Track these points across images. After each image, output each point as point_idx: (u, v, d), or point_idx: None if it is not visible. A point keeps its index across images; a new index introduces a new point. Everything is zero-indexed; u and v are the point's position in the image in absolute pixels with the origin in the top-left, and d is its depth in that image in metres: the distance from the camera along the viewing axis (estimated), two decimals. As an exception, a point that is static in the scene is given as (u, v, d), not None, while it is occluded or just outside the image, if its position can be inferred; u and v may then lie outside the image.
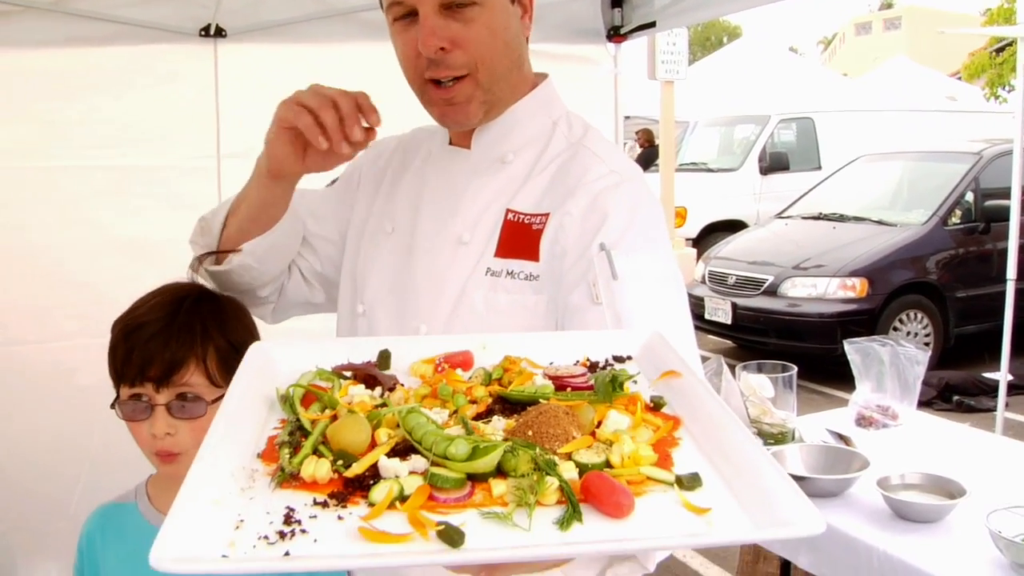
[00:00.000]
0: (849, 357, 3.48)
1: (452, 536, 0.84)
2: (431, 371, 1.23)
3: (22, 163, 3.72)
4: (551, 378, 1.18)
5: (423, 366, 1.24)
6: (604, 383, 1.12)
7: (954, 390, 7.57)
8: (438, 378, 1.19)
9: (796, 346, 8.05)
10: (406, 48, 1.58)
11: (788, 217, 10.34)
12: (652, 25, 4.28)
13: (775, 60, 19.84)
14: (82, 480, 3.89)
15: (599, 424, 1.04)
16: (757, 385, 3.24)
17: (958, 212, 8.90)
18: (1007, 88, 21.18)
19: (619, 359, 1.26)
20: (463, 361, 1.26)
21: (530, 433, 1.00)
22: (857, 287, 8.23)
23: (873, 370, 3.44)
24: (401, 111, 4.21)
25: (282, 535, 0.86)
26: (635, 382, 1.19)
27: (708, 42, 53.20)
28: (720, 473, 0.97)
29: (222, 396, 1.66)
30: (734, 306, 8.85)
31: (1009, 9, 21.46)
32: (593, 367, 1.23)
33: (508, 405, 1.12)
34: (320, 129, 1.47)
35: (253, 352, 1.22)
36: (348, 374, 1.21)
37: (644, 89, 13.17)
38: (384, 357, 1.26)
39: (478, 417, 1.09)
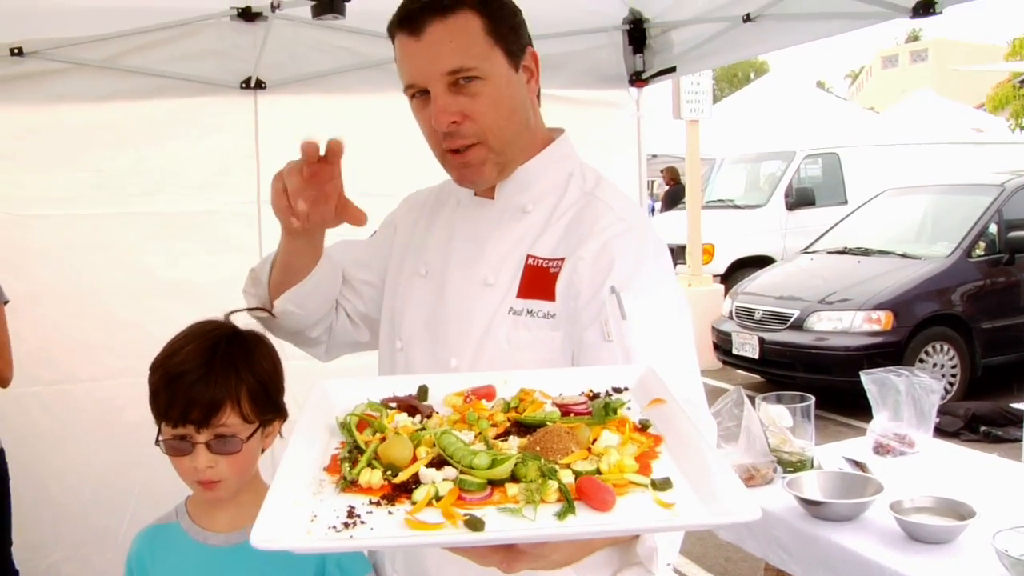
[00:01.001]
0: (866, 387, 3.59)
1: (475, 524, 1.06)
2: (461, 402, 1.44)
3: (75, 210, 3.93)
4: (558, 406, 1.39)
5: (454, 398, 1.45)
6: (599, 408, 1.35)
7: (981, 421, 7.59)
8: (467, 407, 1.41)
9: (823, 379, 8.12)
10: (425, 123, 1.76)
11: (814, 252, 10.43)
12: (672, 70, 4.45)
13: (801, 96, 19.96)
14: (129, 512, 4.05)
15: (594, 441, 1.26)
16: (776, 415, 3.36)
17: (982, 244, 8.95)
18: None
19: (617, 390, 1.46)
20: (487, 393, 1.46)
21: (538, 448, 1.21)
22: (882, 320, 8.30)
23: (890, 399, 3.55)
24: (430, 158, 4.41)
25: (346, 525, 1.09)
26: (629, 408, 1.39)
27: (735, 78, 53.37)
28: (687, 476, 1.18)
29: (255, 432, 1.87)
30: (761, 341, 8.94)
31: (1031, 42, 21.57)
32: (594, 397, 1.43)
33: (522, 427, 1.33)
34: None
35: (315, 390, 1.45)
36: (393, 405, 1.43)
37: (670, 127, 13.34)
38: (423, 390, 1.48)
39: (498, 437, 1.31)
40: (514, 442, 1.27)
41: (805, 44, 3.87)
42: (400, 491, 1.15)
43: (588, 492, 1.11)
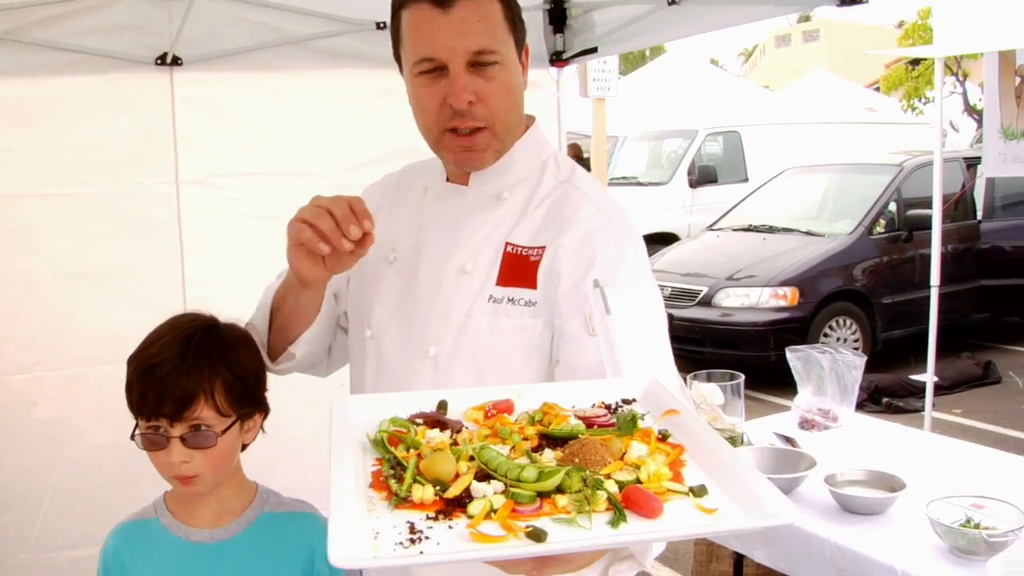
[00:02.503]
0: (791, 364, 3.69)
1: (538, 534, 1.10)
2: (482, 416, 1.47)
3: (-22, 192, 3.74)
4: (581, 418, 1.43)
5: (475, 412, 1.48)
6: (626, 421, 1.40)
7: (883, 392, 7.86)
8: (491, 422, 1.44)
9: (731, 354, 8.28)
10: (431, 99, 1.71)
11: (719, 229, 10.62)
12: (594, 51, 4.45)
13: (701, 74, 20.26)
14: (42, 513, 3.90)
15: (624, 452, 1.31)
16: (708, 393, 3.41)
17: (882, 222, 9.25)
18: (923, 100, 22.04)
19: (627, 401, 1.52)
20: (507, 407, 1.49)
21: (576, 460, 1.26)
22: (788, 296, 8.50)
23: (813, 375, 3.65)
24: (357, 135, 4.27)
25: (412, 541, 1.11)
26: (643, 419, 1.43)
27: (631, 55, 53.69)
28: (717, 483, 1.24)
29: (231, 426, 1.83)
30: (670, 317, 8.94)
31: (924, 26, 22.28)
32: (608, 407, 1.49)
33: (550, 440, 1.38)
34: (320, 237, 1.60)
35: (335, 408, 1.45)
36: (419, 421, 1.44)
37: (575, 105, 13.38)
38: (442, 405, 1.50)
39: (532, 450, 1.35)
40: (549, 454, 1.31)
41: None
42: (453, 506, 1.19)
43: (637, 501, 1.17)
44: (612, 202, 1.86)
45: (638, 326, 1.70)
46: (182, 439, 1.78)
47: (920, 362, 7.89)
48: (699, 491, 1.21)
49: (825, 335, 8.53)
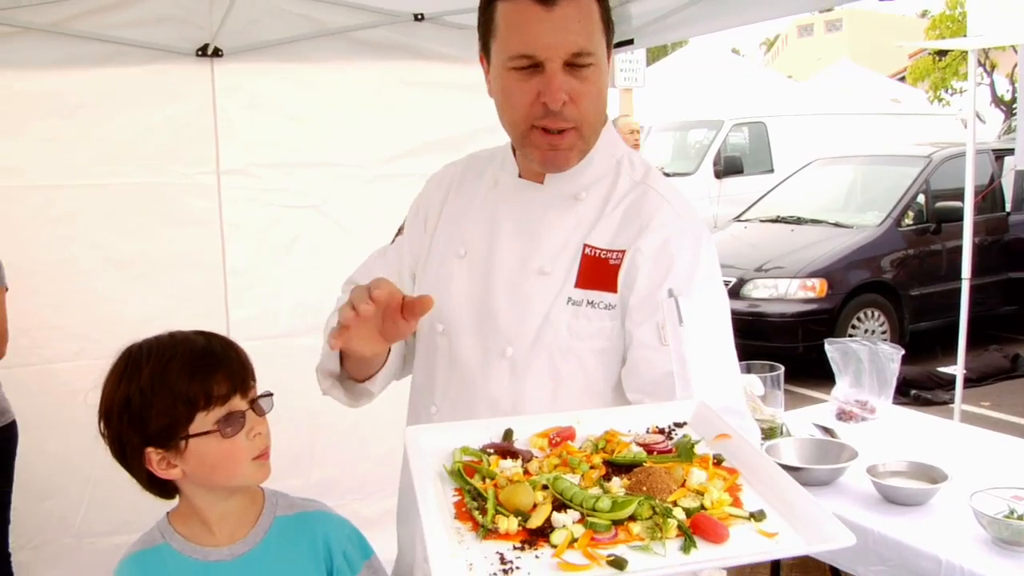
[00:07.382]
0: (829, 356, 3.70)
1: (620, 562, 1.18)
2: (546, 443, 1.54)
3: (22, 182, 3.77)
4: (640, 445, 1.51)
5: (539, 439, 1.55)
6: (686, 449, 1.47)
7: (911, 385, 7.82)
8: (558, 450, 1.50)
9: (760, 345, 8.23)
10: (523, 95, 1.69)
11: (747, 220, 10.55)
12: (630, 43, 4.45)
13: (724, 65, 20.14)
14: (86, 499, 3.96)
15: (685, 479, 1.40)
16: (747, 384, 3.43)
17: (910, 214, 9.18)
18: (950, 91, 21.92)
19: (679, 424, 1.58)
20: (569, 435, 1.56)
21: (644, 488, 1.35)
22: (817, 287, 8.45)
23: (851, 367, 3.66)
24: (394, 126, 4.28)
25: (505, 572, 1.19)
26: (696, 444, 1.49)
27: (653, 46, 53.42)
28: (773, 507, 1.32)
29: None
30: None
31: (952, 16, 22.08)
32: (661, 431, 1.57)
33: (615, 467, 1.46)
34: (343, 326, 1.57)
35: (408, 437, 1.52)
36: (491, 451, 1.50)
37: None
38: (508, 434, 1.55)
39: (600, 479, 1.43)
40: (616, 482, 1.38)
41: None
42: (536, 535, 1.26)
43: (705, 528, 1.25)
44: (688, 206, 1.85)
45: (708, 339, 1.72)
46: (253, 409, 1.77)
47: (947, 354, 7.86)
48: (759, 516, 1.29)
49: (853, 327, 8.49)
